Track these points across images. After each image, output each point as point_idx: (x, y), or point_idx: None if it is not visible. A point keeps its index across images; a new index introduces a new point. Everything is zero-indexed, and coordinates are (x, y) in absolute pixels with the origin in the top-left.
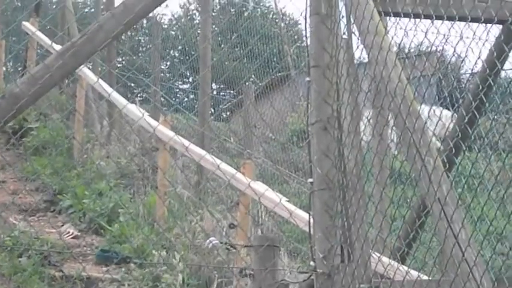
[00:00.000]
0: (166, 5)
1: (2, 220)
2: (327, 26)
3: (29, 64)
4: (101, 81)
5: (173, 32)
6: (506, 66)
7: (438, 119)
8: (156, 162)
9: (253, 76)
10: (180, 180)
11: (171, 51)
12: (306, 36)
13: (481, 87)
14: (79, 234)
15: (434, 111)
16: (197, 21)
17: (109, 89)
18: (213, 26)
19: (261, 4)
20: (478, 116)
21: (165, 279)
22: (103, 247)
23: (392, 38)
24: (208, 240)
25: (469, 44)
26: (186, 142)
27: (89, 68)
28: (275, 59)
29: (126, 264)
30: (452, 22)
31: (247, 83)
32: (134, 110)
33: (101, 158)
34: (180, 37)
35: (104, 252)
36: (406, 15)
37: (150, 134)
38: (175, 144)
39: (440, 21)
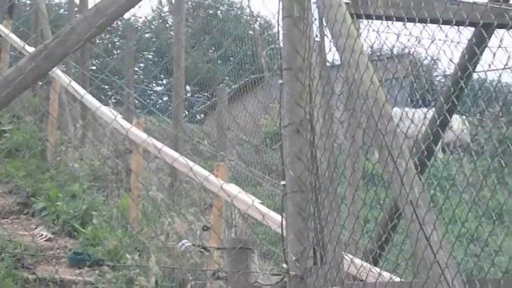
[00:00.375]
0: (140, 6)
1: None
2: (300, 29)
3: (1, 66)
4: (74, 83)
5: (147, 35)
6: (479, 68)
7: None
8: (129, 165)
9: (227, 78)
10: (153, 183)
11: (145, 54)
12: (278, 38)
13: (452, 90)
14: (52, 236)
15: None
16: (171, 23)
17: (82, 91)
18: (187, 28)
19: (235, 6)
20: (449, 118)
21: (138, 282)
22: (76, 250)
23: (364, 40)
24: (180, 243)
25: (441, 47)
26: (159, 144)
27: (62, 70)
28: (249, 62)
29: (100, 267)
30: (424, 24)
31: (221, 85)
32: (107, 112)
33: (75, 161)
34: (154, 39)
35: (77, 254)
36: (378, 17)
37: (123, 136)
38: (148, 146)
39: (412, 24)
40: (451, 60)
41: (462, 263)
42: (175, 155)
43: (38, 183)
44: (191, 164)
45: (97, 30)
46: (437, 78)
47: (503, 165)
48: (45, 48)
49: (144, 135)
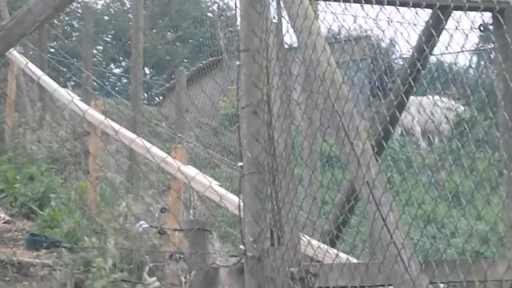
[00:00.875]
0: None
1: None
2: (257, 10)
3: None
4: (31, 64)
5: (106, 17)
6: (436, 51)
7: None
8: (87, 147)
9: (185, 61)
10: (112, 165)
11: (104, 36)
12: (236, 20)
13: (409, 72)
14: (10, 219)
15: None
16: (129, 5)
17: (39, 73)
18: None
19: None
20: (407, 100)
21: (96, 264)
22: (33, 231)
23: (322, 22)
24: (138, 224)
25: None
26: (116, 126)
27: (20, 52)
28: (208, 44)
29: (57, 249)
30: (381, 6)
31: (179, 68)
32: (64, 94)
33: (33, 143)
34: (112, 22)
35: (34, 236)
36: None
37: (81, 119)
38: (106, 128)
39: (370, 6)
40: (407, 41)
41: (419, 244)
42: (133, 136)
43: None
44: (149, 145)
45: (54, 11)
46: (396, 61)
47: (460, 147)
48: (1, 29)
49: (101, 117)
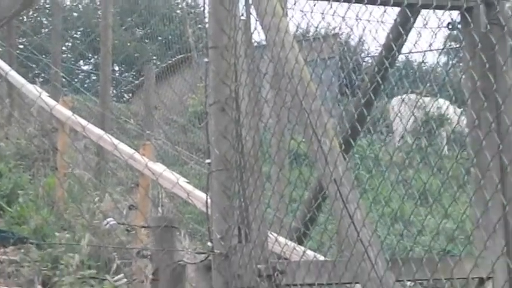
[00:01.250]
0: None
1: None
2: (225, 7)
3: None
4: None
5: (75, 14)
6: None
7: None
8: (56, 143)
9: (154, 58)
10: (80, 162)
11: (73, 33)
12: (205, 17)
13: (377, 69)
14: None
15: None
16: (98, 2)
17: (7, 68)
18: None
19: None
20: (374, 98)
21: (64, 261)
22: (0, 228)
23: (290, 19)
24: (105, 221)
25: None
26: (84, 122)
27: None
28: (177, 41)
29: (25, 246)
30: (350, 4)
31: (148, 65)
32: (32, 90)
33: (0, 139)
34: (81, 18)
35: (1, 233)
36: None
37: (50, 115)
38: (74, 124)
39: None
40: (374, 38)
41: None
42: (101, 133)
43: None
44: (116, 142)
45: (21, 7)
46: (366, 59)
47: (427, 145)
48: None
49: (69, 114)
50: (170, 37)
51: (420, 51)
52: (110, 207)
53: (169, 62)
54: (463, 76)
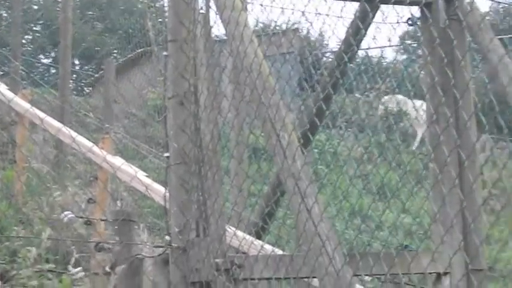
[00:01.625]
0: None
1: None
2: (185, 0)
3: None
4: None
5: (35, 7)
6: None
7: None
8: (14, 136)
9: (115, 52)
10: (39, 155)
11: (33, 26)
12: (165, 10)
13: (337, 64)
14: None
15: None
16: None
17: None
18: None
19: None
20: (333, 93)
21: (22, 254)
22: None
23: (249, 13)
24: (63, 214)
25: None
26: (42, 115)
27: None
28: (137, 35)
29: None
30: None
31: (108, 58)
32: None
33: None
34: (41, 11)
35: None
36: None
37: (8, 108)
38: (32, 117)
39: None
40: (333, 32)
41: (344, 236)
42: (59, 125)
43: None
44: (74, 134)
45: None
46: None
47: (387, 140)
48: None
49: (28, 106)
50: (131, 31)
51: (380, 47)
52: (68, 200)
53: (130, 55)
54: (422, 72)
